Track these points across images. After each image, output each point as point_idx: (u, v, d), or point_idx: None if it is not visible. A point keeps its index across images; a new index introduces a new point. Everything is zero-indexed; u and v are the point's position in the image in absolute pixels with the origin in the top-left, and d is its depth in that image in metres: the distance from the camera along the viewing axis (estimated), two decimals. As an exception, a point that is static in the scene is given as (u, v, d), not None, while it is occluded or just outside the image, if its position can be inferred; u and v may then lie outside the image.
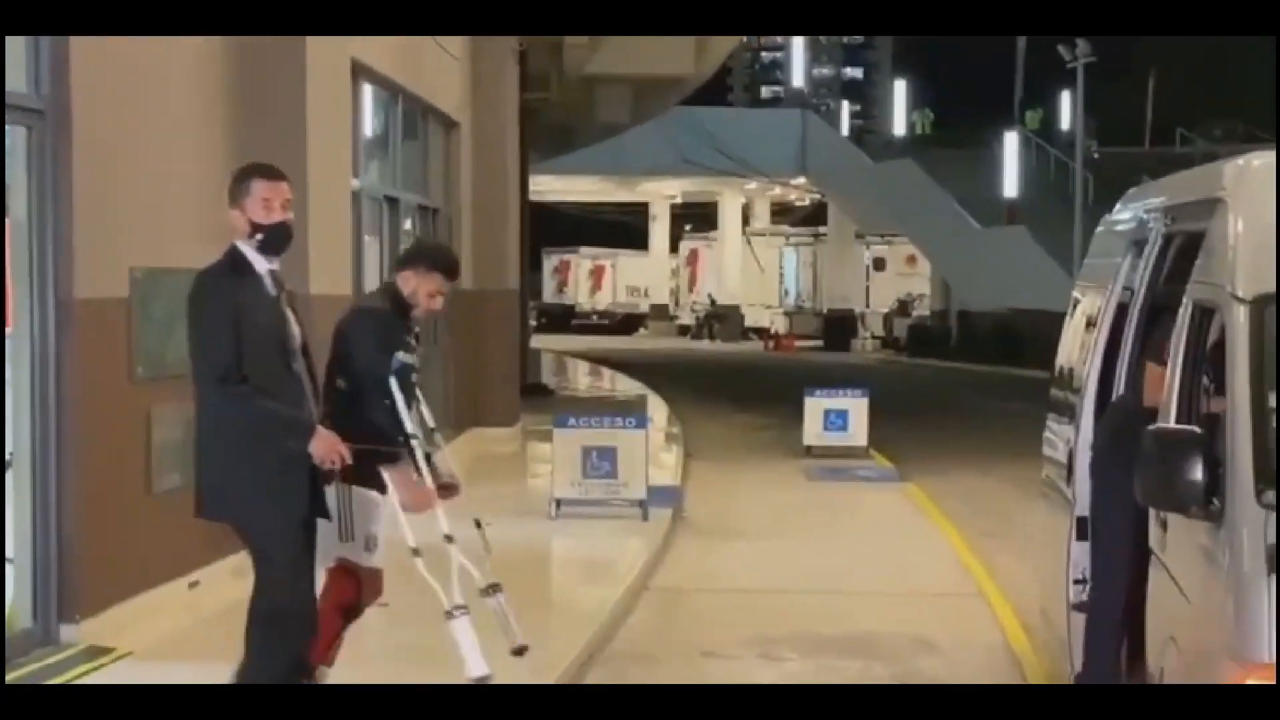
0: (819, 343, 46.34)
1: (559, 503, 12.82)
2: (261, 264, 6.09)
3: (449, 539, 6.74)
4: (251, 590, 6.07)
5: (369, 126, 13.87)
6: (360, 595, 6.80)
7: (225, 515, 6.12)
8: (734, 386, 30.83)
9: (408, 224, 15.62)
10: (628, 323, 57.40)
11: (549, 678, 8.09)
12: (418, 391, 6.82)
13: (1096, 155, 37.13)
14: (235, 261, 6.08)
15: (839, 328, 46.53)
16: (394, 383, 6.61)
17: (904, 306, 45.92)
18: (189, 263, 6.72)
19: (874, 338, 46.70)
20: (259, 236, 6.06)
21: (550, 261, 60.79)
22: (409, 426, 6.62)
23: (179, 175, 9.08)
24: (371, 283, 14.01)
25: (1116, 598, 6.15)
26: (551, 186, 46.05)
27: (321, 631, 6.47)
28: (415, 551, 6.63)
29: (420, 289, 6.86)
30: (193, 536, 8.76)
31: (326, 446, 6.06)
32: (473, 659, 6.47)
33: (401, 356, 6.69)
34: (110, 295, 8.19)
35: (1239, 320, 4.91)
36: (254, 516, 6.04)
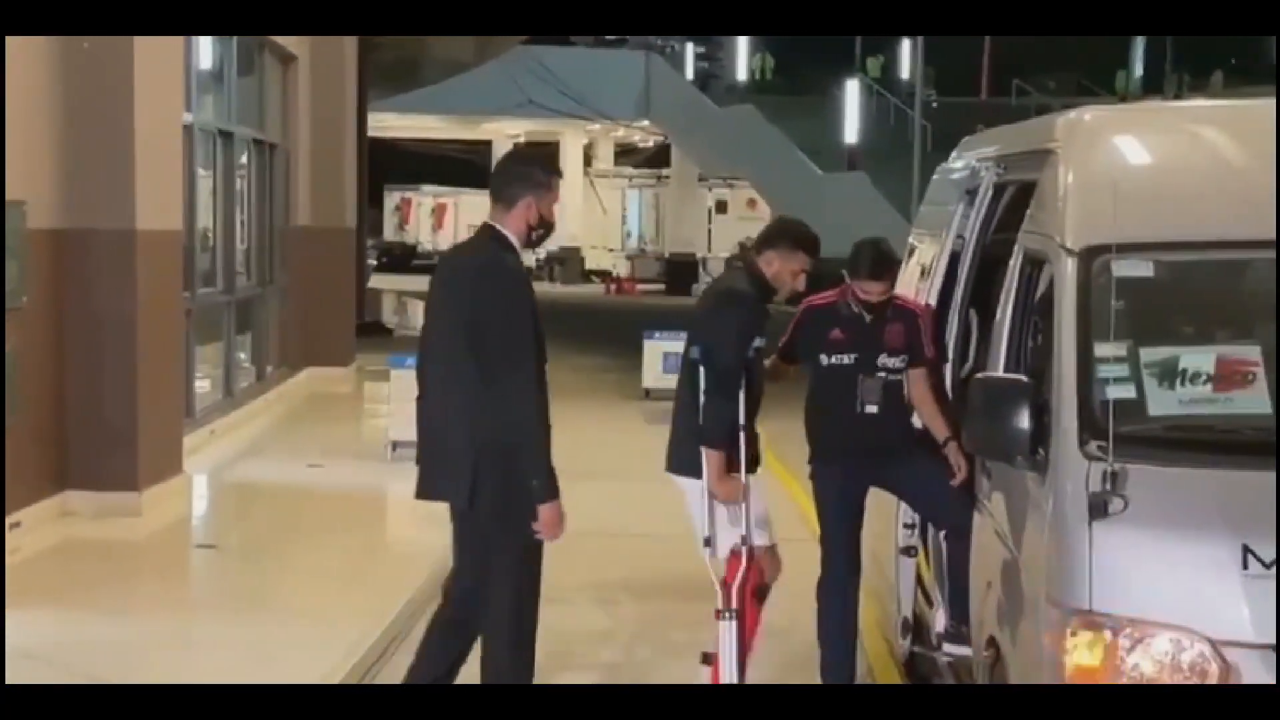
0: (661, 286, 46.41)
1: (395, 445, 12.69)
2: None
3: (708, 543, 6.43)
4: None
5: (202, 59, 13.52)
6: (764, 576, 6.50)
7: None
8: (575, 329, 30.75)
9: (243, 159, 15.31)
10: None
11: (381, 622, 8.03)
12: None
13: (935, 104, 37.49)
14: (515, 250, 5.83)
15: (681, 271, 46.62)
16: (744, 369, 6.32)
17: (744, 250, 46.15)
18: None
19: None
20: (539, 233, 5.86)
21: (391, 199, 60.08)
22: (743, 415, 6.33)
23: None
24: (204, 219, 13.74)
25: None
26: (393, 124, 45.46)
27: (745, 624, 6.32)
28: (707, 542, 6.40)
29: (785, 269, 6.54)
30: (12, 477, 8.53)
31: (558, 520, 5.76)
32: (728, 665, 6.27)
33: (757, 343, 6.39)
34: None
35: (1067, 271, 4.96)
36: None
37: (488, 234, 5.83)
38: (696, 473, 6.38)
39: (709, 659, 6.39)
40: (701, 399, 6.33)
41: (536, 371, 5.66)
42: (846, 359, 6.63)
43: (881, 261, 6.72)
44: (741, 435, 6.30)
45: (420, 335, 6.04)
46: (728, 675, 6.26)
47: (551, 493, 5.68)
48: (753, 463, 6.40)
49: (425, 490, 5.93)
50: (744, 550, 6.35)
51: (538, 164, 5.95)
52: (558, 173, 5.91)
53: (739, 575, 6.36)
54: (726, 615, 6.30)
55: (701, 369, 6.35)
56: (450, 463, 5.73)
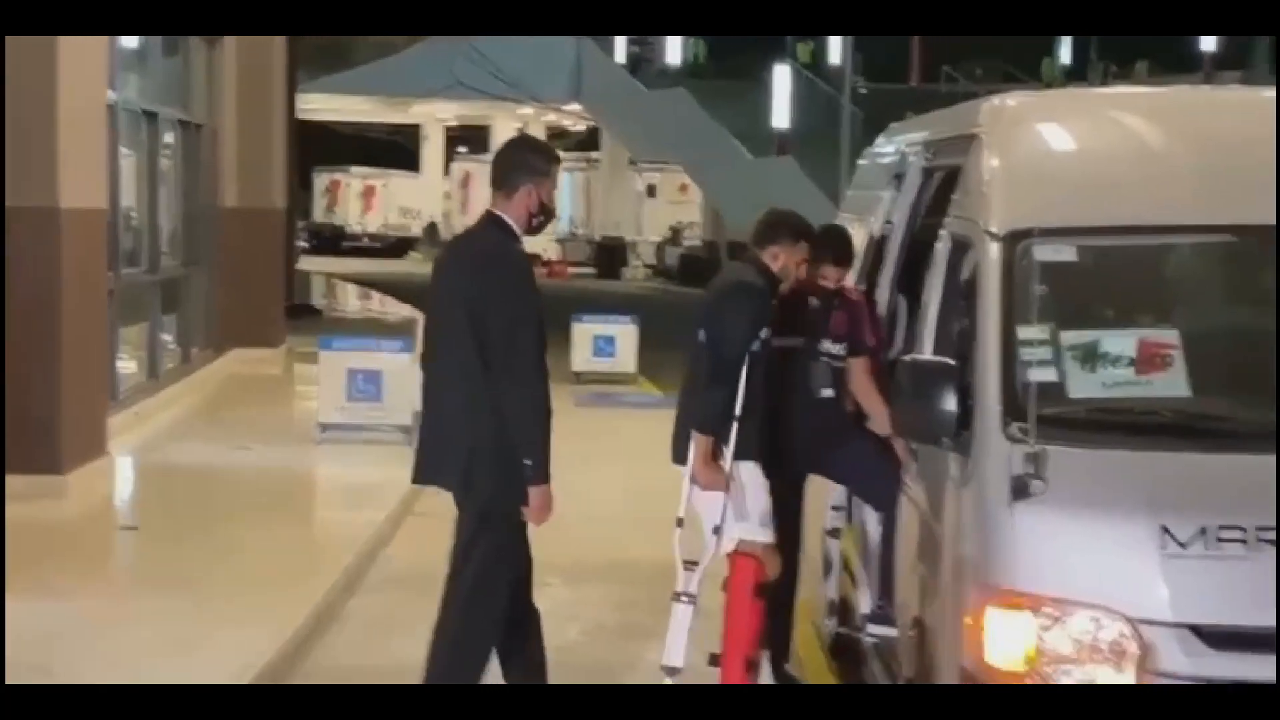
0: (592, 270, 46.40)
1: (324, 427, 12.63)
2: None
3: (680, 523, 6.40)
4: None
5: (127, 38, 13.38)
6: (766, 573, 6.42)
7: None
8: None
9: (169, 139, 15.17)
10: (399, 246, 56.76)
11: (309, 602, 8.01)
12: None
13: (864, 90, 37.65)
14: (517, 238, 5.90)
15: (611, 254, 46.61)
16: (746, 360, 6.27)
17: (676, 235, 46.21)
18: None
19: (646, 266, 46.93)
20: (539, 220, 5.91)
21: (320, 181, 59.67)
22: (739, 406, 6.28)
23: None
24: (128, 198, 13.61)
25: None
26: (323, 105, 45.13)
27: (750, 622, 6.27)
28: (679, 522, 6.37)
29: (790, 261, 6.51)
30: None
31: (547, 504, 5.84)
32: (675, 648, 6.23)
33: (764, 334, 6.32)
34: None
35: (991, 255, 5.00)
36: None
37: (491, 221, 5.92)
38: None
39: (716, 660, 6.36)
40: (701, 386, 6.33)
41: (538, 357, 5.76)
42: (793, 342, 6.65)
43: (848, 249, 6.79)
44: (735, 425, 6.25)
45: (424, 322, 6.12)
46: (673, 657, 6.22)
47: (543, 476, 5.76)
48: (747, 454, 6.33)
49: (423, 474, 6.02)
50: (714, 543, 6.31)
51: (537, 152, 6.07)
52: (557, 160, 6.04)
53: (718, 566, 6.34)
54: (684, 599, 6.28)
55: (705, 357, 6.35)
56: (450, 448, 5.83)
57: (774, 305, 6.46)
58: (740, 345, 6.26)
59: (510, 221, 5.87)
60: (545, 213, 5.94)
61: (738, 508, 6.28)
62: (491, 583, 5.90)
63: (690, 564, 6.39)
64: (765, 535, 6.35)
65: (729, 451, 6.25)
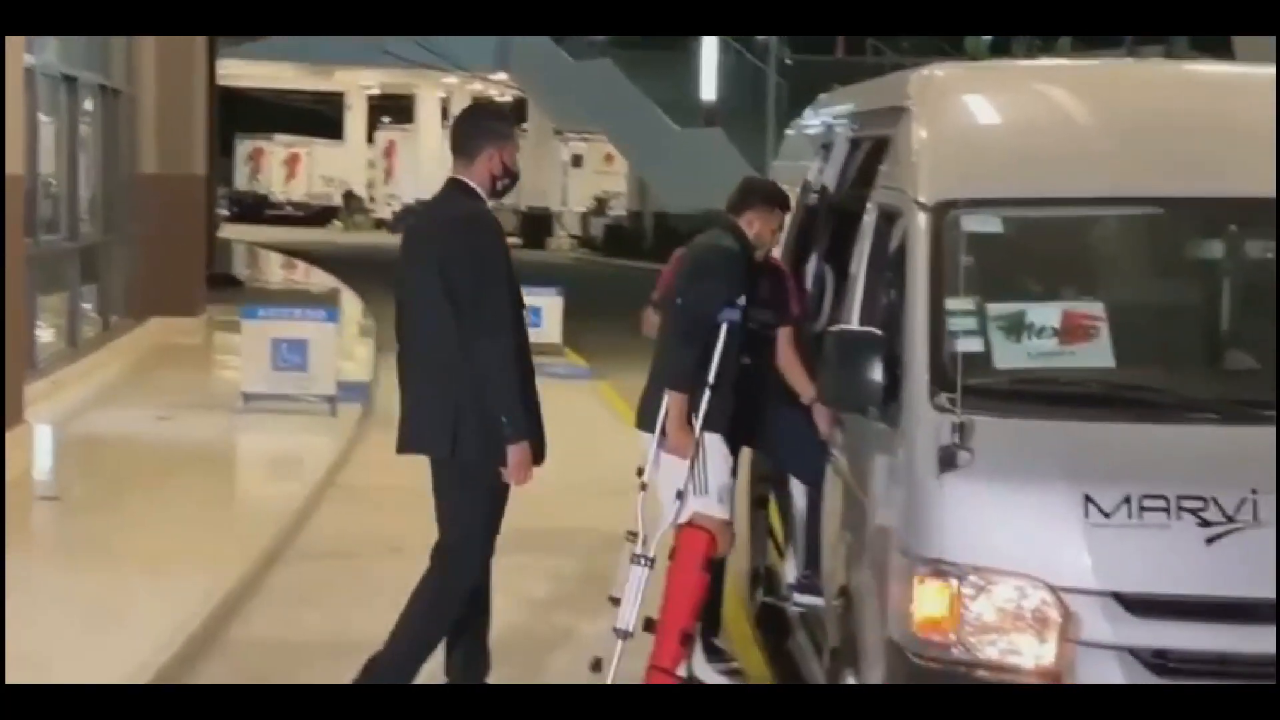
0: (517, 240, 46.24)
1: (246, 397, 12.53)
2: None
3: (643, 487, 6.36)
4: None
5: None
6: (717, 548, 6.37)
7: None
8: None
9: (88, 105, 14.95)
10: (323, 214, 56.36)
11: (232, 574, 7.95)
12: None
13: (789, 62, 37.69)
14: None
15: (535, 225, 46.48)
16: (724, 328, 6.21)
17: (601, 205, 46.15)
18: None
19: (571, 236, 46.86)
20: (504, 183, 5.98)
21: (243, 148, 59.11)
22: (713, 374, 6.23)
23: None
24: (47, 165, 13.40)
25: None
26: (245, 71, 44.68)
27: (694, 596, 6.24)
28: (643, 486, 6.34)
29: (765, 229, 6.45)
30: None
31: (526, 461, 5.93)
32: (628, 612, 6.20)
33: (741, 301, 6.25)
34: None
35: (919, 225, 5.01)
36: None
37: (455, 187, 6.00)
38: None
39: (652, 625, 6.31)
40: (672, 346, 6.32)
41: (513, 315, 5.86)
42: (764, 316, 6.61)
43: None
44: (707, 394, 6.22)
45: (396, 291, 6.14)
46: (627, 619, 6.23)
47: (520, 433, 5.83)
48: (718, 423, 6.30)
49: (406, 443, 6.07)
50: (675, 509, 6.27)
51: (496, 116, 6.18)
52: (516, 124, 5.99)
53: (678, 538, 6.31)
54: (642, 561, 6.26)
55: (677, 317, 6.34)
56: (432, 413, 5.89)
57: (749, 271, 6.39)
58: (711, 304, 6.23)
59: (475, 185, 5.95)
60: (509, 175, 6.02)
61: (698, 479, 6.28)
62: (472, 546, 5.99)
63: (632, 535, 6.42)
64: (722, 511, 6.35)
65: (698, 421, 6.24)
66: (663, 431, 6.28)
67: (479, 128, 6.06)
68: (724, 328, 6.21)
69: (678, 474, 6.27)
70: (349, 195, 55.40)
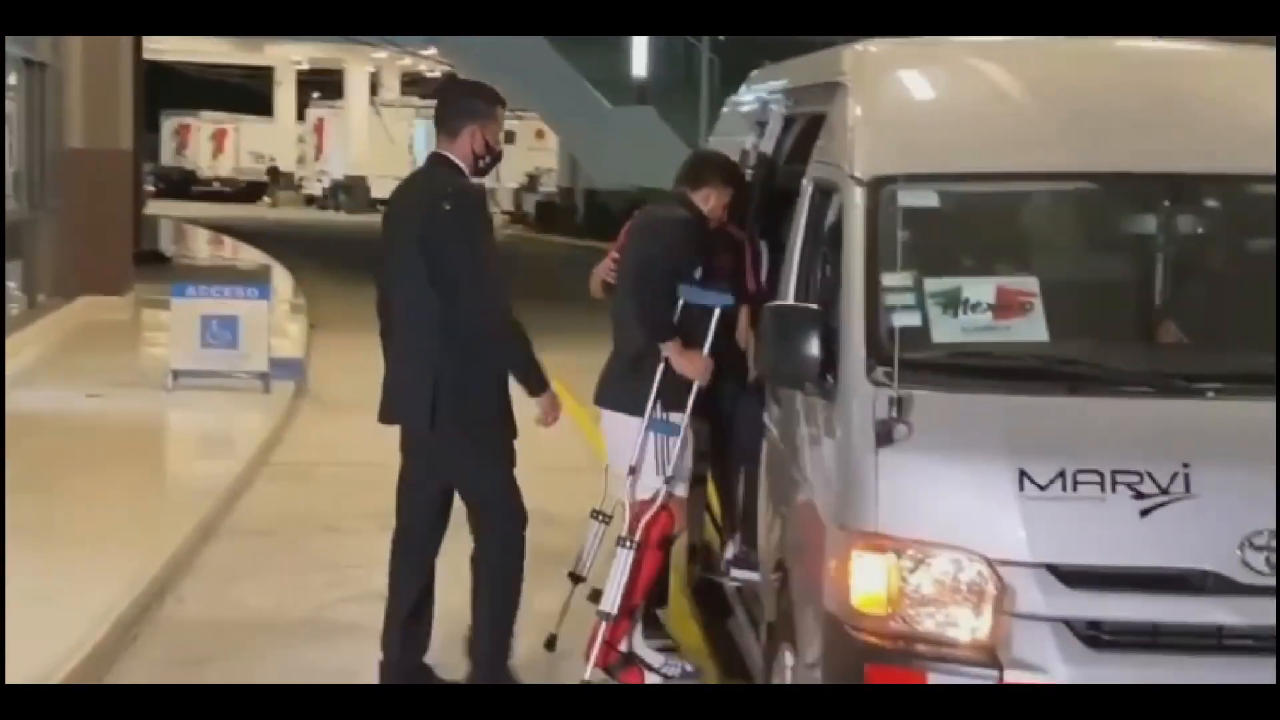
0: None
1: (176, 374, 12.42)
2: None
3: (632, 471, 6.32)
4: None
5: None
6: (674, 525, 6.37)
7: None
8: (361, 258, 30.31)
9: (12, 79, 14.75)
10: (251, 190, 55.91)
11: (163, 553, 7.89)
12: None
13: (722, 38, 37.72)
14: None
15: (467, 201, 46.22)
16: (716, 313, 6.18)
17: (533, 181, 46.03)
18: None
19: (503, 212, 46.72)
20: (485, 161, 5.99)
21: (169, 124, 58.50)
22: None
23: None
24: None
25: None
26: (172, 46, 44.22)
27: (647, 572, 6.26)
28: (631, 470, 6.31)
29: (719, 204, 6.42)
30: None
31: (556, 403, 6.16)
32: (612, 595, 6.17)
33: (698, 274, 6.22)
34: None
35: (855, 200, 5.02)
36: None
37: (438, 161, 6.03)
38: (623, 408, 6.36)
39: (597, 597, 6.33)
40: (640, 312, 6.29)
41: (503, 282, 5.94)
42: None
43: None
44: (662, 370, 6.21)
45: (381, 265, 6.17)
46: (609, 603, 6.22)
47: (542, 384, 6.02)
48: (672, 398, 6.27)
49: (386, 414, 6.13)
50: (630, 482, 6.30)
51: (479, 94, 6.13)
52: (501, 103, 6.10)
53: (647, 518, 6.29)
54: (628, 544, 6.24)
55: (633, 283, 6.34)
56: (411, 385, 5.95)
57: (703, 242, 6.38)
58: (660, 268, 6.23)
59: (458, 161, 5.97)
60: (491, 154, 6.04)
61: (660, 458, 6.27)
62: (518, 510, 6.08)
63: (600, 514, 6.49)
64: (681, 490, 6.38)
65: (647, 407, 6.24)
66: (629, 413, 6.30)
67: (461, 106, 6.07)
68: (716, 313, 6.19)
69: (632, 451, 6.28)
70: (274, 171, 54.97)
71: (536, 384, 6.01)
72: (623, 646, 6.35)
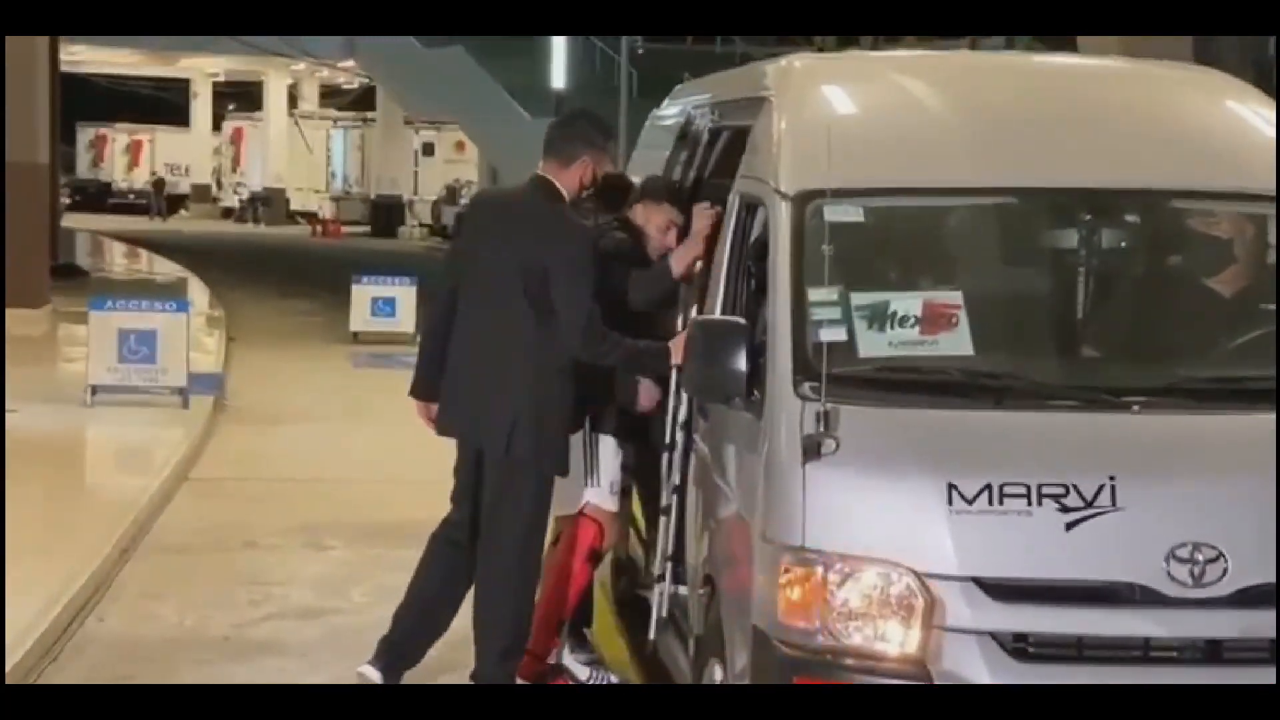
0: (366, 228, 45.82)
1: (94, 389, 12.27)
2: None
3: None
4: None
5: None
6: (603, 540, 6.35)
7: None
8: (280, 271, 30.22)
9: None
10: (168, 203, 55.35)
11: (85, 569, 7.78)
12: None
13: (641, 51, 37.76)
14: None
15: (387, 214, 46.08)
16: None
17: (452, 193, 45.89)
18: None
19: (422, 225, 46.53)
20: (586, 194, 6.11)
21: (85, 135, 57.85)
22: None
23: None
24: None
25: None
26: (87, 56, 43.76)
27: (576, 586, 6.26)
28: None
29: (651, 221, 6.37)
30: None
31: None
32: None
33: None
34: None
35: (781, 215, 5.03)
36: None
37: (543, 184, 6.02)
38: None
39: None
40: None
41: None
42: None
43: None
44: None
45: (463, 278, 6.07)
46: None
47: (662, 358, 5.91)
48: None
49: (447, 427, 6.08)
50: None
51: (602, 128, 6.21)
52: (614, 138, 6.20)
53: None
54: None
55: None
56: (493, 408, 5.91)
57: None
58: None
59: (561, 189, 5.98)
60: (594, 186, 6.10)
61: (591, 471, 6.30)
62: (540, 525, 6.03)
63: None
64: (612, 504, 6.40)
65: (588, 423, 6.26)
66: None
67: (580, 133, 6.10)
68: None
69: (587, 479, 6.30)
70: (159, 182, 53.87)
71: (659, 365, 5.94)
72: (551, 659, 6.33)
